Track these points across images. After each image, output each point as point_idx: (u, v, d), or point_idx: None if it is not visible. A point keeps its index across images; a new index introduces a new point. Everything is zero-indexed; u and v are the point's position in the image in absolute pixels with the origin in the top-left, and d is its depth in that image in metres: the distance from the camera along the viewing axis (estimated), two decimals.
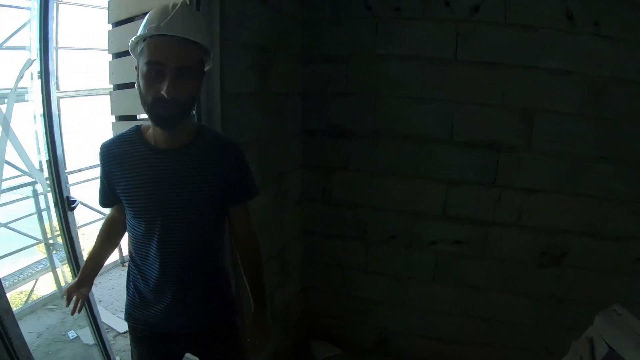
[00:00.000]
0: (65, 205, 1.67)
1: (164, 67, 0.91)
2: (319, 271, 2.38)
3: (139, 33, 0.95)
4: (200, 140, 1.06)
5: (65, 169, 1.73)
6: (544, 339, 2.12)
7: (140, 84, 0.94)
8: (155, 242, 1.05)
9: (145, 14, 0.94)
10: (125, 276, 1.18)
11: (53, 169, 1.62)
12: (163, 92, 0.90)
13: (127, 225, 1.12)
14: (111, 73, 1.69)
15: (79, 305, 1.13)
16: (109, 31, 1.68)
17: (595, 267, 2.03)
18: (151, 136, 1.04)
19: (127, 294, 1.16)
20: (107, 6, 1.69)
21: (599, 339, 1.14)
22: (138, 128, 1.08)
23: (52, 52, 1.57)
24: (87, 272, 1.18)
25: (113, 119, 1.72)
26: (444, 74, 2.01)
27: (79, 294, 1.13)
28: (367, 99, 2.12)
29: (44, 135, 1.64)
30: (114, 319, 2.77)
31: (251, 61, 1.67)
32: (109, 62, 1.69)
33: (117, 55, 1.65)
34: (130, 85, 1.60)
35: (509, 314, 2.15)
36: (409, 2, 2.00)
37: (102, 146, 1.08)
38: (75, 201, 1.70)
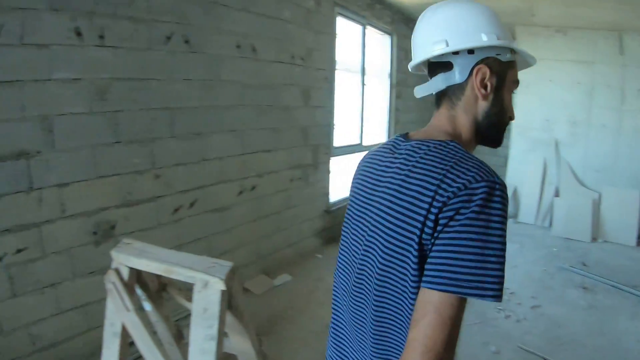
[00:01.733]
0: None
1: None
2: None
3: (504, 39, 0.84)
4: None
5: None
6: None
7: (505, 99, 0.88)
8: None
9: None
10: None
11: None
12: (512, 115, 0.92)
13: None
14: None
15: None
16: None
17: (141, 227, 2.42)
18: None
19: None
20: None
21: (121, 266, 1.49)
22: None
23: None
24: None
25: None
26: None
27: None
28: None
29: None
30: None
31: None
32: None
33: None
34: None
35: (95, 296, 2.36)
36: None
37: (504, 182, 0.74)
38: None
